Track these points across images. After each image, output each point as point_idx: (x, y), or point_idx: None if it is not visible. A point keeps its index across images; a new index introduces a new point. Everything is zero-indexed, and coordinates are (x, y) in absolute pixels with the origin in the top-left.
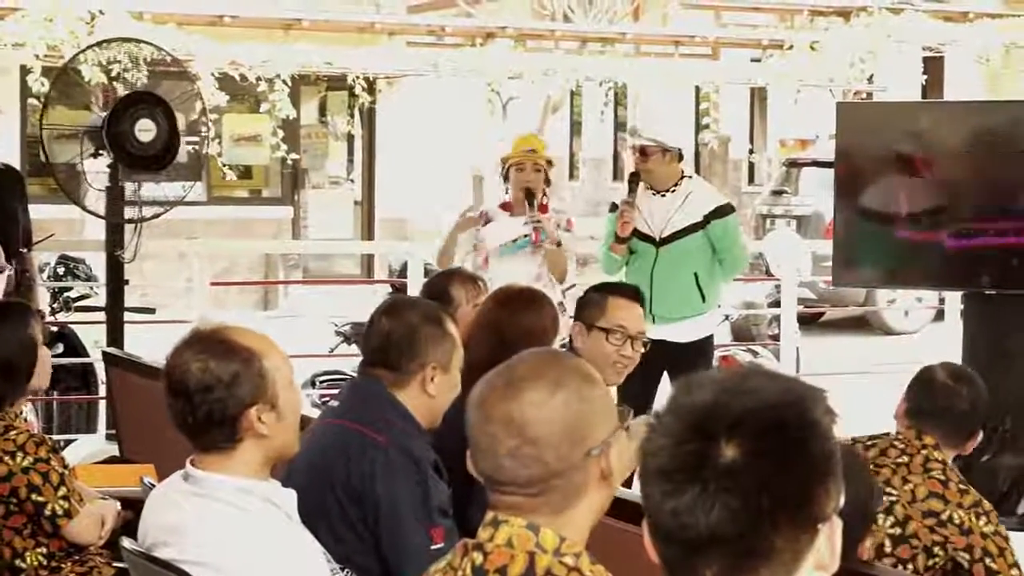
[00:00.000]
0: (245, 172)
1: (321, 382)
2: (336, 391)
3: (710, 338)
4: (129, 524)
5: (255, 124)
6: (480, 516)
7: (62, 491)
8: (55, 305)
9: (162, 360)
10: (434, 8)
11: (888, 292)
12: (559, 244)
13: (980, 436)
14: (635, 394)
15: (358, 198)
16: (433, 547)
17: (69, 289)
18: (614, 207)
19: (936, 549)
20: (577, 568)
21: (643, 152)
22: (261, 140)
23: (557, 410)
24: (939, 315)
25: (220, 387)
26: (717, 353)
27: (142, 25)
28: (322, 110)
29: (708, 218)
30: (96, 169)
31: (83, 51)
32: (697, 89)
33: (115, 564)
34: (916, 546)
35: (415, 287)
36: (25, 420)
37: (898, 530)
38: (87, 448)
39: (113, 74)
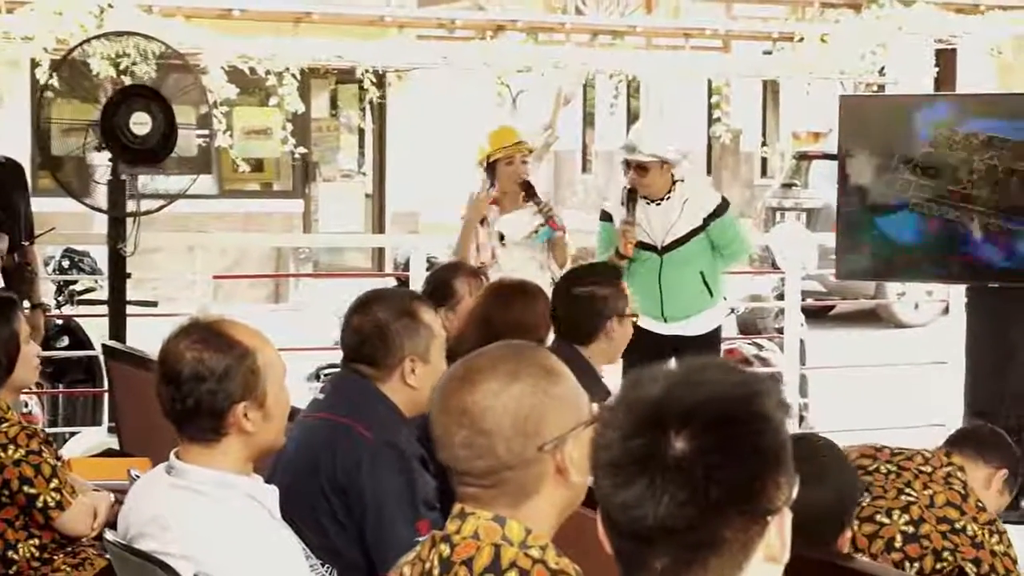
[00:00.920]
0: (256, 165)
1: (326, 375)
2: None
3: (719, 329)
4: None
5: (265, 118)
6: None
7: (54, 483)
8: (60, 298)
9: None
10: (446, 1)
11: (898, 285)
12: (564, 230)
13: (1003, 474)
14: None
15: (369, 191)
16: (418, 539)
17: (74, 282)
18: (605, 216)
19: (945, 554)
20: (542, 560)
21: (641, 168)
22: (271, 134)
23: (509, 403)
24: (948, 308)
25: (211, 379)
26: (723, 346)
27: (151, 18)
28: (333, 103)
29: (708, 219)
30: (102, 163)
31: (85, 42)
32: (709, 82)
33: (107, 556)
34: (926, 547)
35: (417, 281)
36: (30, 413)
37: (911, 528)
38: (89, 441)
39: (122, 67)
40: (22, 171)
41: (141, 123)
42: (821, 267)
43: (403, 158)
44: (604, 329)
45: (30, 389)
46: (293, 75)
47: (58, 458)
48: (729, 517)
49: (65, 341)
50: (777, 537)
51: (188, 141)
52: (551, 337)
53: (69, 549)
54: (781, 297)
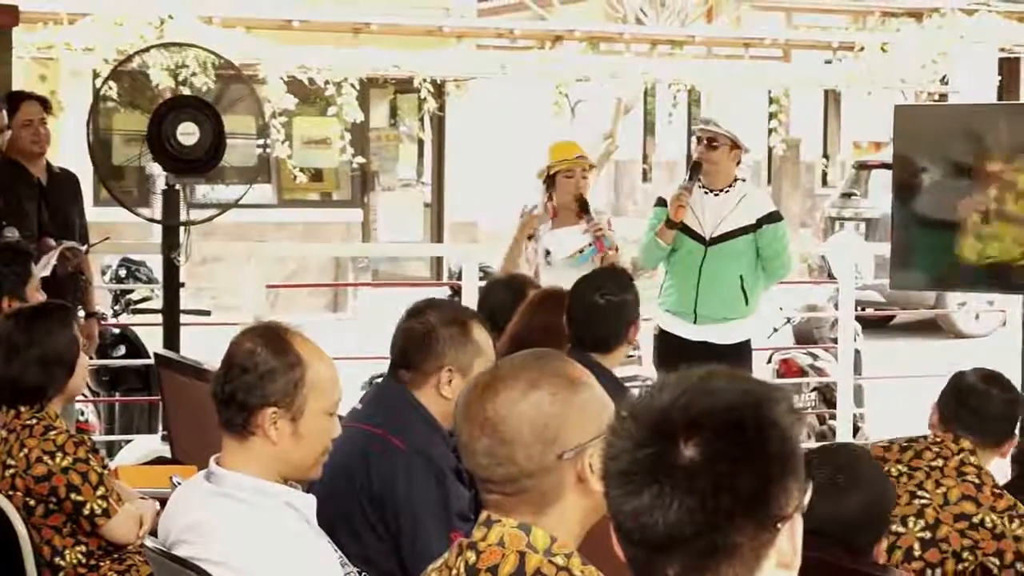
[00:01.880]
0: (316, 175)
1: (375, 384)
2: None
3: (749, 342)
4: None
5: (325, 127)
6: None
7: (101, 491)
8: (116, 307)
9: (212, 362)
10: (507, 11)
11: (958, 295)
12: (616, 249)
13: (1016, 439)
14: None
15: (428, 201)
16: None
17: (130, 291)
18: (660, 202)
19: (965, 554)
20: (567, 568)
21: (711, 142)
22: (331, 143)
23: (529, 411)
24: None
25: (253, 374)
26: (777, 356)
27: (211, 29)
28: (392, 113)
29: (760, 222)
30: (161, 173)
31: (139, 52)
32: (769, 92)
33: None
34: (945, 550)
35: (470, 290)
36: (86, 421)
37: (928, 534)
38: (142, 449)
39: (181, 78)
40: (77, 181)
41: (188, 133)
42: (879, 277)
43: (462, 167)
44: (627, 335)
45: (85, 397)
46: (352, 85)
47: (105, 466)
48: (739, 524)
49: (122, 350)
50: (788, 543)
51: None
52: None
53: (116, 556)
54: (838, 307)
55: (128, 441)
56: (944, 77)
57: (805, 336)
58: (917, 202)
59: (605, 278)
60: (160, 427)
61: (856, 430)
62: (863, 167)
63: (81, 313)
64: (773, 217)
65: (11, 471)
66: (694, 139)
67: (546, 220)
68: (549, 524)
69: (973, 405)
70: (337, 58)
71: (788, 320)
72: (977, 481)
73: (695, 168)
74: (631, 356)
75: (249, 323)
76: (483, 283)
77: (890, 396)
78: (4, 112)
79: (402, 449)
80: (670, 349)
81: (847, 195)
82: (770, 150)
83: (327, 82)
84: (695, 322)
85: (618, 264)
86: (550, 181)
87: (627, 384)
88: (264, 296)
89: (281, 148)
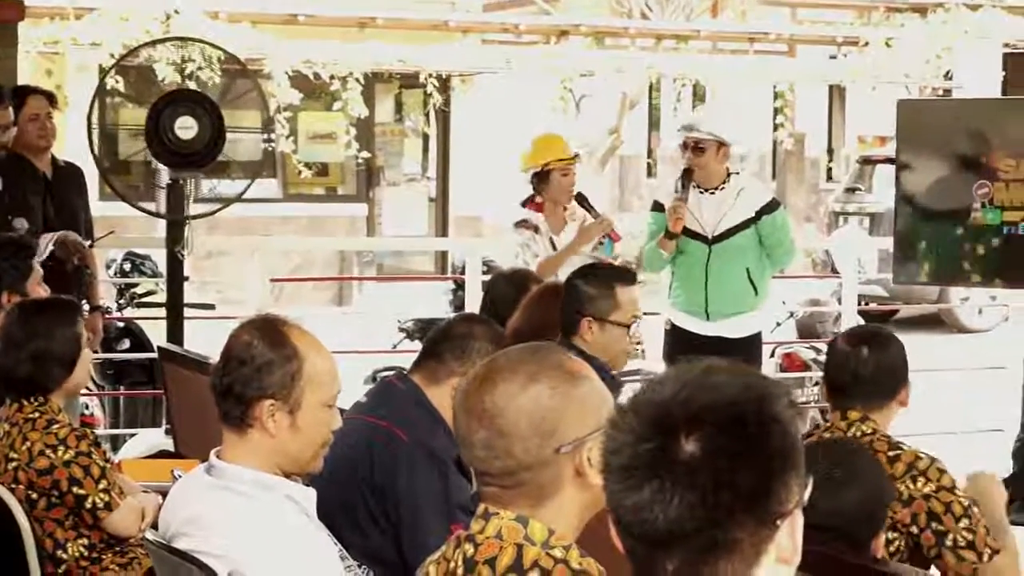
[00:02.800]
0: (321, 169)
1: (382, 378)
2: None
3: (759, 335)
4: None
5: (330, 122)
6: None
7: (103, 484)
8: (121, 301)
9: (215, 357)
10: (513, 6)
11: (961, 290)
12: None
13: (908, 388)
14: None
15: (433, 195)
16: None
17: (135, 285)
18: (657, 206)
19: (889, 534)
20: (565, 560)
21: (697, 147)
22: (336, 138)
23: (527, 404)
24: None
25: (250, 366)
26: (780, 350)
27: (217, 24)
28: (397, 108)
29: (759, 213)
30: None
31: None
32: (774, 87)
33: None
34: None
35: (474, 284)
36: (91, 415)
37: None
38: (145, 442)
39: (187, 73)
40: (81, 175)
41: (186, 127)
42: (883, 272)
43: (467, 162)
44: (579, 327)
45: (89, 391)
46: (357, 80)
47: (107, 460)
48: (739, 520)
49: (126, 343)
50: (788, 539)
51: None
52: None
53: (118, 549)
54: (841, 301)
55: (132, 435)
56: (948, 72)
57: (808, 330)
58: (920, 196)
59: (592, 268)
60: (164, 421)
61: None
62: (867, 162)
63: (86, 307)
64: (772, 206)
65: (13, 464)
66: (678, 145)
67: (540, 219)
68: (547, 517)
69: (845, 368)
70: (342, 53)
71: (791, 314)
72: (871, 452)
73: (685, 175)
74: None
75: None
76: (486, 277)
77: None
78: (10, 107)
79: (404, 440)
80: (681, 344)
81: (851, 190)
82: (775, 145)
83: (332, 77)
84: (708, 319)
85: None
86: (541, 176)
87: (629, 379)
88: (268, 290)
89: (286, 143)
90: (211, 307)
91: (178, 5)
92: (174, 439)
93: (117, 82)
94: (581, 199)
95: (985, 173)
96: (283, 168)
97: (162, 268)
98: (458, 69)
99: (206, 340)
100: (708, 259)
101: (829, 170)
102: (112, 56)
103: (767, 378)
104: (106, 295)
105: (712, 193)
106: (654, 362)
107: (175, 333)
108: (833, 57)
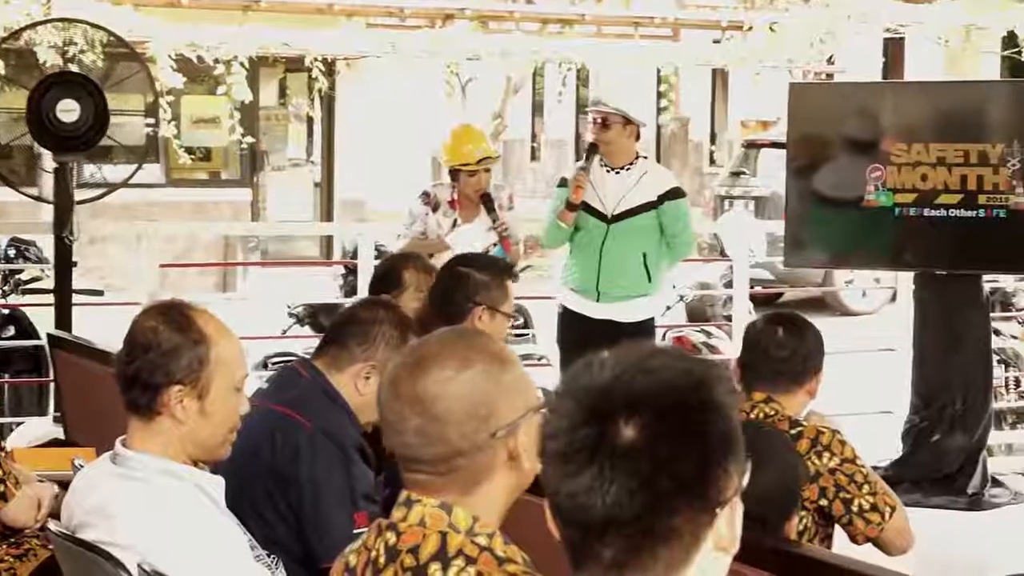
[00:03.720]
0: (204, 154)
1: (273, 364)
2: None
3: (652, 320)
4: None
5: (213, 106)
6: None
7: None
8: (6, 288)
9: (107, 343)
10: None
11: (846, 273)
12: (518, 243)
13: (819, 378)
14: None
15: (317, 180)
16: (356, 531)
17: (20, 272)
18: (563, 182)
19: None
20: (489, 548)
21: (604, 122)
22: (219, 122)
23: (462, 389)
24: (896, 296)
25: (156, 352)
26: (670, 334)
27: (100, 6)
28: (282, 92)
29: (662, 198)
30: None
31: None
32: (658, 71)
33: (51, 547)
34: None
35: (366, 269)
36: None
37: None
38: (34, 431)
39: (69, 55)
40: None
41: (68, 110)
42: (770, 255)
43: (352, 147)
44: (470, 315)
45: None
46: (242, 64)
47: (1, 449)
48: (678, 507)
49: (11, 331)
50: (727, 527)
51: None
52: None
53: (12, 540)
54: (729, 285)
55: (19, 423)
56: (831, 57)
57: (698, 314)
58: (812, 180)
59: (479, 257)
60: (51, 408)
61: None
62: (752, 146)
63: None
64: (675, 193)
65: None
66: (588, 120)
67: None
68: (475, 503)
69: (760, 349)
70: (227, 36)
71: (681, 298)
72: (771, 431)
73: (591, 149)
74: (524, 335)
75: (143, 303)
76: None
77: (728, 373)
78: None
79: (307, 427)
80: (573, 327)
81: (736, 174)
82: (659, 129)
83: (216, 60)
84: (598, 300)
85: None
86: (452, 173)
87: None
88: (158, 276)
89: (169, 127)
90: (99, 293)
91: None
92: (64, 427)
93: None
94: (486, 200)
95: (878, 157)
96: (166, 153)
97: (48, 254)
98: (343, 53)
99: (94, 327)
100: (605, 238)
101: (712, 154)
102: None
103: (707, 363)
104: None
105: (617, 172)
106: (545, 347)
107: (63, 320)
108: (717, 41)
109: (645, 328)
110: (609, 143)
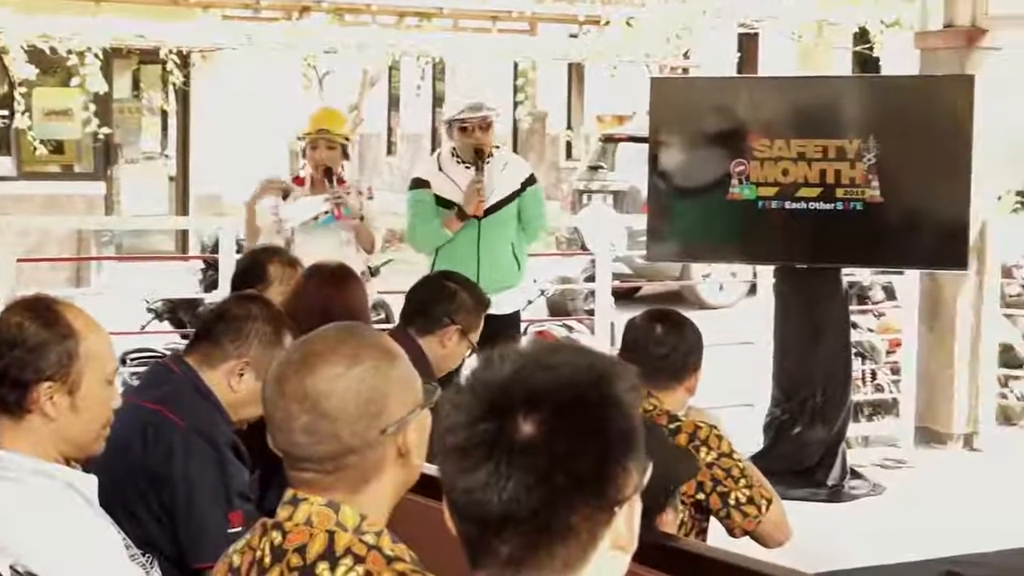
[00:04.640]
0: (57, 147)
1: (132, 359)
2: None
3: (519, 313)
4: None
5: (66, 98)
6: (279, 495)
7: None
8: None
9: None
10: None
11: (703, 267)
12: (362, 218)
13: (698, 375)
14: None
15: (172, 173)
16: (231, 531)
17: None
18: (420, 183)
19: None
20: (377, 547)
21: (485, 126)
22: (72, 114)
23: (352, 385)
24: (753, 289)
25: (22, 348)
26: (532, 328)
27: None
28: (135, 84)
29: (524, 185)
30: None
31: None
32: (516, 64)
33: None
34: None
35: (227, 263)
36: None
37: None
38: None
39: None
40: None
41: None
42: (629, 249)
43: (207, 140)
44: (442, 329)
45: None
46: (96, 55)
47: None
48: (575, 505)
49: None
50: (625, 526)
51: None
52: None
53: None
54: (590, 279)
55: None
56: (687, 52)
57: (559, 308)
58: (674, 174)
59: (468, 282)
60: None
61: None
62: (609, 140)
63: None
64: (532, 179)
65: None
66: (457, 127)
67: (277, 190)
68: (364, 501)
69: (639, 345)
70: (80, 27)
71: (542, 292)
72: (650, 426)
73: (479, 155)
74: (385, 331)
75: (1, 299)
76: (239, 256)
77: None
78: None
79: (180, 425)
80: None
81: (594, 168)
82: (516, 123)
83: (70, 52)
84: None
85: (370, 232)
86: (304, 150)
87: None
88: (14, 271)
89: (21, 119)
90: None
91: None
92: None
93: None
94: (327, 173)
95: (741, 152)
96: (18, 145)
97: None
98: (198, 45)
99: None
100: (479, 234)
101: (569, 148)
102: None
103: (609, 359)
104: None
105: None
106: None
107: None
108: (574, 36)
109: (514, 321)
110: (489, 146)
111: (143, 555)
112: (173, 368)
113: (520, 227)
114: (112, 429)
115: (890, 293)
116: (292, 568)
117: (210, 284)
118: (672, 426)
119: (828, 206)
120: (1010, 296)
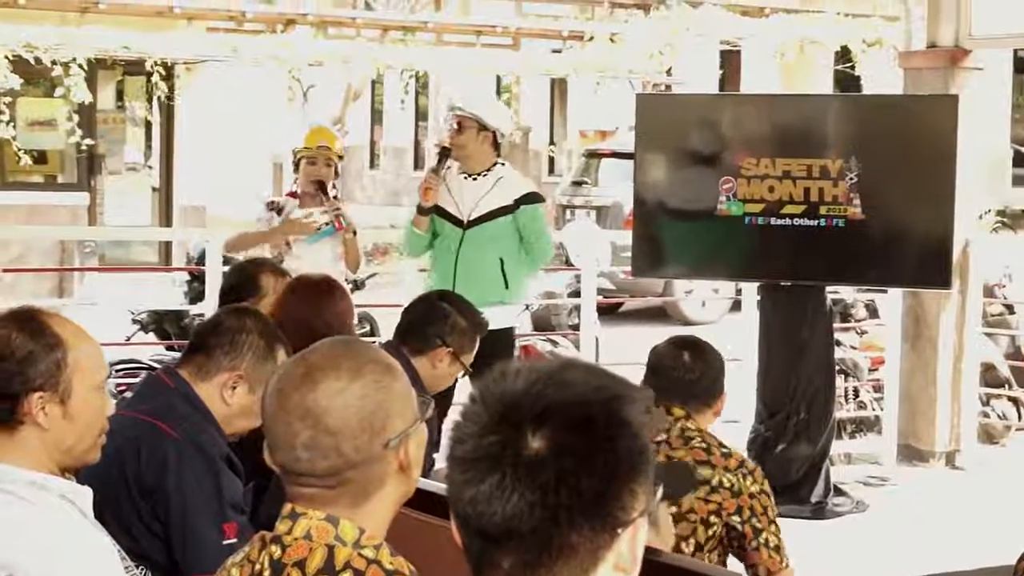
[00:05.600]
0: (40, 157)
1: (117, 371)
2: (133, 379)
3: (511, 330)
4: None
5: (50, 108)
6: (276, 509)
7: None
8: None
9: None
10: None
11: (686, 283)
12: (355, 232)
13: (723, 398)
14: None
15: (156, 184)
16: (225, 542)
17: None
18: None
19: (712, 518)
20: (377, 560)
21: (459, 126)
22: (56, 125)
23: (354, 400)
24: (736, 305)
25: (11, 360)
26: (518, 343)
27: None
28: (120, 95)
29: (518, 202)
30: None
31: None
32: (499, 79)
33: None
34: (693, 520)
35: (214, 275)
36: None
37: (674, 508)
38: None
39: None
40: None
41: None
42: (612, 264)
43: (191, 152)
44: (434, 350)
45: None
46: (80, 66)
47: None
48: (578, 523)
49: None
50: (629, 548)
51: None
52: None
53: None
54: (575, 294)
55: None
56: (670, 68)
57: (543, 323)
58: (660, 190)
59: (466, 304)
60: None
61: None
62: (593, 155)
63: None
64: (532, 198)
65: None
66: (444, 124)
67: (289, 202)
68: (363, 515)
69: (668, 373)
70: (65, 37)
71: (527, 307)
72: (704, 445)
73: (443, 153)
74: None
75: None
76: (227, 268)
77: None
78: None
79: (174, 437)
80: None
81: (578, 183)
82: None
83: (54, 62)
84: None
85: (358, 251)
86: (297, 166)
87: None
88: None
89: (5, 129)
90: None
91: None
92: None
93: None
94: (321, 186)
95: (729, 169)
96: (1, 155)
97: None
98: (183, 57)
99: None
100: (460, 244)
101: (552, 163)
102: None
103: (624, 380)
104: None
105: (474, 179)
106: None
107: None
108: (557, 51)
109: (501, 338)
110: (462, 147)
111: (137, 567)
112: (167, 380)
113: (521, 247)
114: (107, 441)
115: (873, 311)
116: None
117: (196, 296)
118: (723, 450)
119: (812, 222)
120: (992, 315)
